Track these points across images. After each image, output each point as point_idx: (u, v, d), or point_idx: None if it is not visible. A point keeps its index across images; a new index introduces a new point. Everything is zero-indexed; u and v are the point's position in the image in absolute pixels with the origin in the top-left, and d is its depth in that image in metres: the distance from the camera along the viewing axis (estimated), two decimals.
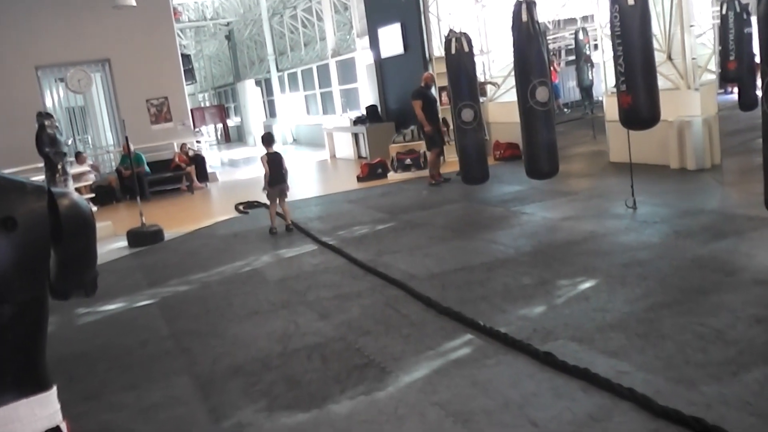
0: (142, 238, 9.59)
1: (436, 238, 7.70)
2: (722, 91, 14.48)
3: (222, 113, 32.42)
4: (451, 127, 11.14)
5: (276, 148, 9.36)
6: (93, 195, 13.40)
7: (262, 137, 9.46)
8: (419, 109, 11.21)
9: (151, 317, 6.20)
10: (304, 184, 14.68)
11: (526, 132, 8.25)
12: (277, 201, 9.26)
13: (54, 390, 1.61)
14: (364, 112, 17.60)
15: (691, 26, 9.84)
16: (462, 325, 4.84)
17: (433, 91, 12.01)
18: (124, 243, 9.67)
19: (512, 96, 10.83)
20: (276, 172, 9.13)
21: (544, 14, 15.63)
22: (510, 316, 4.90)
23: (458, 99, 9.41)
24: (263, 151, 9.28)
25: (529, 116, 8.11)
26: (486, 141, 10.86)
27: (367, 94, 18.63)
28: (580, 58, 17.35)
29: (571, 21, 18.33)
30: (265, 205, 11.31)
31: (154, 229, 9.77)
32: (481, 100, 11.43)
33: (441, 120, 11.88)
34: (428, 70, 13.71)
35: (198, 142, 17.88)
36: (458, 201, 9.87)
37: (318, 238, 8.45)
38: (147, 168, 14.97)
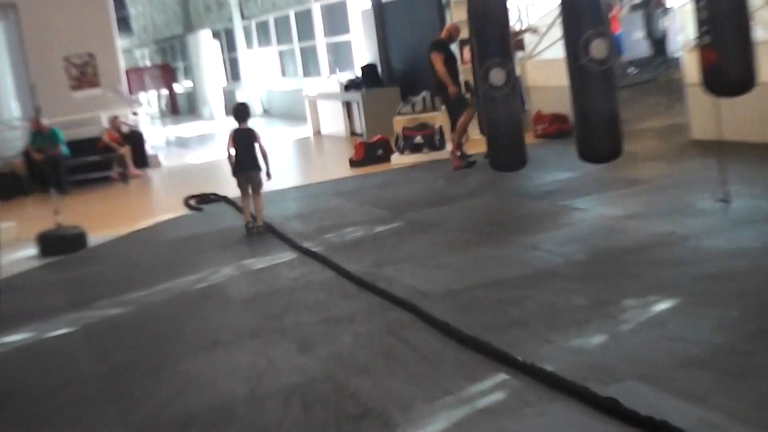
0: (59, 243, 9.58)
1: (455, 244, 7.67)
2: None
3: (168, 76, 32.50)
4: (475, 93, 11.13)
5: (250, 123, 9.42)
6: None
7: (234, 109, 9.55)
8: (440, 65, 11.23)
9: (73, 350, 6.17)
10: (279, 170, 14.63)
11: (578, 100, 8.20)
12: (249, 193, 9.32)
13: None
14: (359, 74, 17.58)
15: None
16: (492, 361, 4.80)
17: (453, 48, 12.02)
18: (35, 251, 9.67)
19: (558, 51, 10.78)
20: (245, 154, 9.21)
21: None
22: (557, 349, 4.88)
23: (485, 56, 9.36)
24: (234, 126, 9.37)
25: (582, 79, 8.07)
26: (523, 112, 10.83)
27: (363, 50, 18.62)
28: (650, 2, 17.34)
29: None
30: (225, 198, 11.32)
31: (74, 232, 9.76)
32: (518, 56, 11.42)
33: (464, 84, 11.86)
34: (447, 20, 13.71)
35: (135, 114, 17.86)
36: (486, 193, 9.84)
37: (297, 243, 8.43)
38: (65, 149, 14.97)
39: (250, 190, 9.31)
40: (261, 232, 9.18)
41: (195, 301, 7.00)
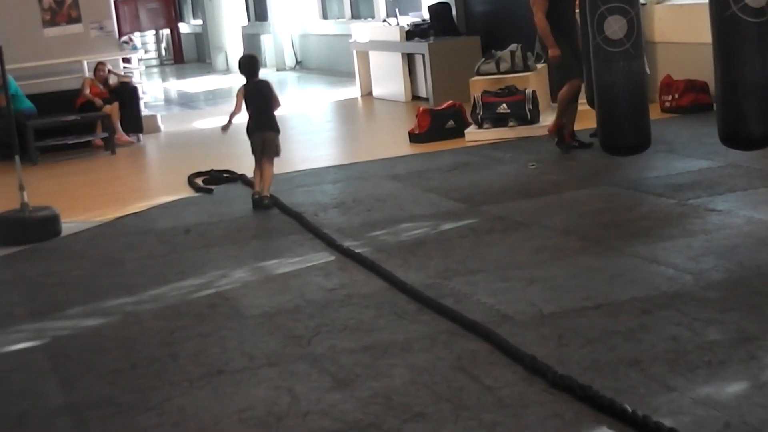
0: (22, 230, 9.69)
1: (549, 251, 7.66)
2: None
3: (170, 11, 32.73)
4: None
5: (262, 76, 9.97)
6: None
7: (240, 62, 10.20)
8: (542, 15, 11.10)
9: (34, 372, 6.21)
10: (315, 143, 14.68)
11: (724, 63, 8.13)
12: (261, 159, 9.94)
13: None
14: (427, 17, 17.55)
15: None
16: (592, 410, 4.79)
17: None
18: None
19: None
20: (258, 112, 9.84)
21: None
22: (681, 399, 4.84)
23: None
24: (242, 81, 9.81)
25: (730, 34, 8.01)
26: (647, 77, 10.73)
27: None
28: None
29: None
30: (242, 177, 11.39)
31: (44, 215, 9.84)
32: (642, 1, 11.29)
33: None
34: None
35: (126, 61, 18.01)
36: (592, 184, 9.80)
37: (336, 241, 8.45)
38: (29, 104, 15.09)
39: (261, 158, 9.95)
40: (267, 206, 9.79)
41: (196, 314, 7.01)
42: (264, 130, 9.91)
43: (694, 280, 6.57)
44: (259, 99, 9.86)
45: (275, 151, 10.06)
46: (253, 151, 10.07)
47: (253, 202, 10.02)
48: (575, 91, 11.27)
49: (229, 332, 6.54)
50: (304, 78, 24.31)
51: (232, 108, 10.06)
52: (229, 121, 10.06)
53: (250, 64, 10.09)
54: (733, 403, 4.76)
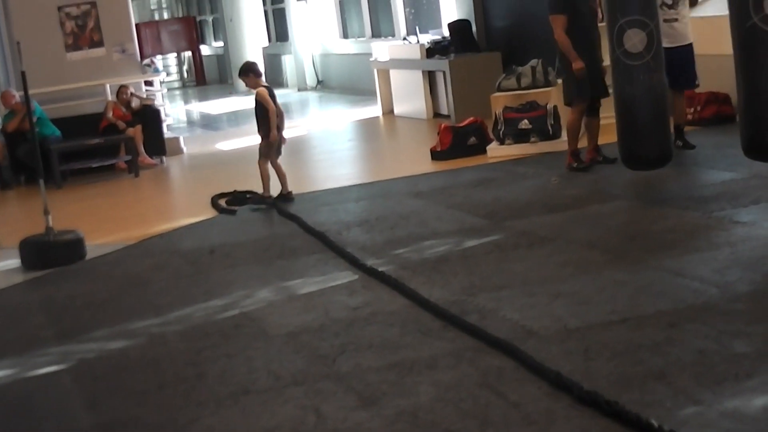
0: (48, 253, 9.70)
1: (574, 265, 7.64)
2: None
3: (192, 33, 32.91)
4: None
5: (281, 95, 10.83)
6: None
7: (246, 67, 11.29)
8: (561, 31, 11.03)
9: (61, 394, 6.23)
10: (338, 162, 14.69)
11: (745, 74, 8.11)
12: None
13: None
14: (447, 34, 17.55)
15: None
16: (620, 425, 4.77)
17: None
18: (16, 261, 9.82)
19: (717, 8, 10.67)
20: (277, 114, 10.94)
21: None
22: (708, 412, 4.82)
23: (618, 12, 9.31)
24: (255, 84, 10.90)
25: (751, 44, 7.98)
26: (667, 90, 10.71)
27: (452, 3, 18.60)
28: None
29: None
30: (266, 199, 11.44)
31: (68, 239, 9.88)
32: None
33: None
34: None
35: (148, 84, 18.06)
36: (616, 197, 9.78)
37: (359, 260, 8.44)
38: (54, 129, 15.18)
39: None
40: (289, 199, 11.05)
41: (222, 334, 7.02)
42: (281, 129, 10.81)
43: (720, 292, 6.54)
44: (275, 99, 10.74)
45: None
46: (271, 152, 11.01)
47: (265, 202, 11.02)
48: (580, 116, 11.21)
49: (255, 352, 6.54)
50: (325, 97, 24.33)
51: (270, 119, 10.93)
52: (270, 127, 10.97)
53: (254, 67, 11.09)
54: (761, 415, 4.74)
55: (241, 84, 28.55)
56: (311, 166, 14.21)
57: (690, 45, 11.23)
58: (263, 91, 11.02)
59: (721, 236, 7.92)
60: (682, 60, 10.93)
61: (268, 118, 10.96)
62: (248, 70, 11.17)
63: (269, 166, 11.20)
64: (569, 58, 11.01)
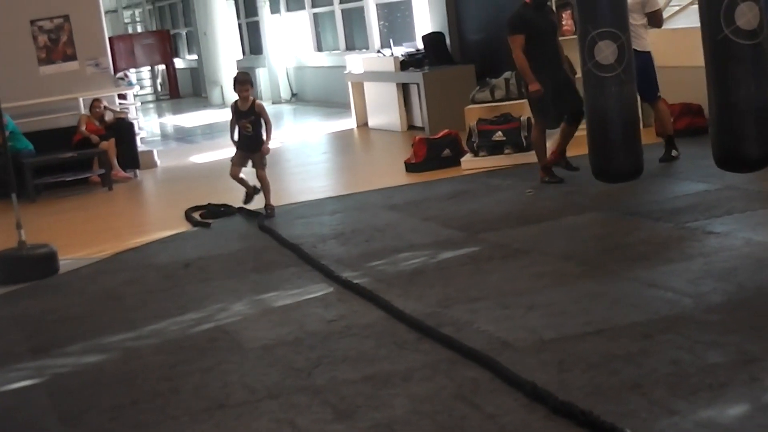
0: (21, 268, 9.66)
1: (549, 277, 7.65)
2: None
3: (166, 47, 32.84)
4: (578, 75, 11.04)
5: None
6: None
7: (247, 78, 11.43)
8: (519, 51, 11.02)
9: (35, 410, 6.20)
10: (313, 174, 14.68)
11: (717, 86, 8.15)
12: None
13: None
14: (421, 47, 17.56)
15: None
16: None
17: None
18: None
19: (690, 20, 10.72)
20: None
21: None
22: (683, 422, 4.83)
23: (589, 24, 9.34)
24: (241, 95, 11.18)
25: (723, 56, 8.02)
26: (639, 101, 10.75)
27: (427, 15, 18.63)
28: None
29: None
30: (239, 209, 11.45)
31: (41, 253, 9.83)
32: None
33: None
34: None
35: (122, 97, 18.00)
36: (590, 209, 9.80)
37: (335, 272, 8.44)
38: (27, 144, 15.10)
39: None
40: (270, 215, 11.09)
41: (196, 348, 7.00)
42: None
43: (694, 303, 6.57)
44: None
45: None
46: (242, 164, 11.26)
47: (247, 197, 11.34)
48: (543, 132, 11.24)
49: (229, 366, 6.53)
50: (299, 110, 24.31)
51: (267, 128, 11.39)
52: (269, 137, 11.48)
53: (248, 77, 11.47)
54: (735, 425, 4.77)
55: (215, 96, 28.72)
56: (286, 178, 14.16)
57: (648, 53, 11.17)
58: (260, 103, 11.45)
59: (694, 247, 7.96)
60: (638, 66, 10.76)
61: (269, 131, 11.34)
62: (247, 82, 11.33)
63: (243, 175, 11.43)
64: (526, 79, 11.05)
